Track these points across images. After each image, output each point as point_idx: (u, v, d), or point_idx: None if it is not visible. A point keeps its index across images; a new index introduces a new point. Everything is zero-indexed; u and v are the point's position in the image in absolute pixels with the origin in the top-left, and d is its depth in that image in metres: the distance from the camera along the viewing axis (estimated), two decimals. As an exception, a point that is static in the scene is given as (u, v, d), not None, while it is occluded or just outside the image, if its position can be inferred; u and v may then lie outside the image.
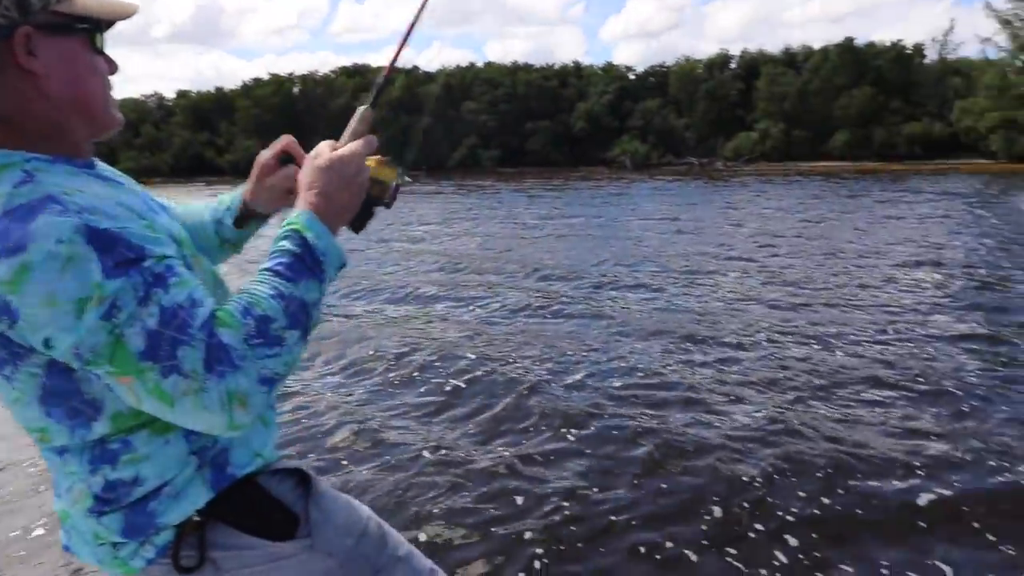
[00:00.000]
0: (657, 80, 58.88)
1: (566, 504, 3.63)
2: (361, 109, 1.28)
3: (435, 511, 3.61)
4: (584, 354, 6.33)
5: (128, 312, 0.88)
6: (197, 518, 1.08)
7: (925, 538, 3.29)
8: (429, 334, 7.24)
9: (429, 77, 59.02)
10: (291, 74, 60.73)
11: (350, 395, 5.48)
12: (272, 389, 0.98)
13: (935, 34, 60.94)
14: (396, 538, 1.35)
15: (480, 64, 61.06)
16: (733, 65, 55.85)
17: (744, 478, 3.86)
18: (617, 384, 5.52)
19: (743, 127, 51.95)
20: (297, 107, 57.99)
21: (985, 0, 43.22)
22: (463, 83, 58.10)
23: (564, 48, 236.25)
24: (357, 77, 59.39)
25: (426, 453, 4.29)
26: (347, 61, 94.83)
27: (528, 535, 3.37)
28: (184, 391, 0.90)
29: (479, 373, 5.76)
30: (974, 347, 6.28)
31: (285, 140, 1.37)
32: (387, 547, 1.30)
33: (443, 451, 4.37)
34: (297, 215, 1.08)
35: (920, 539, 3.29)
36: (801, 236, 13.96)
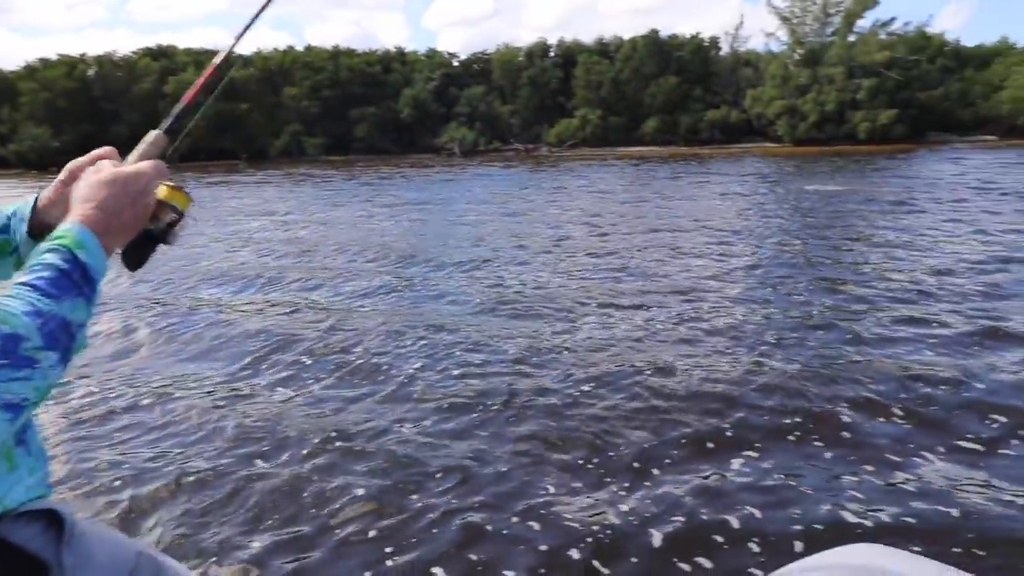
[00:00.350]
0: (480, 67, 59.68)
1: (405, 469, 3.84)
2: (154, 133, 1.20)
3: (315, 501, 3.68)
4: (433, 331, 6.57)
5: None
6: None
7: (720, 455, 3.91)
8: (281, 321, 7.18)
9: (246, 62, 55.68)
10: (84, 55, 54.64)
11: (214, 381, 5.39)
12: (17, 417, 0.84)
13: (727, 28, 66.58)
14: (176, 570, 1.23)
15: (300, 48, 58.40)
16: (552, 54, 57.85)
17: (582, 428, 4.36)
18: (469, 358, 5.80)
19: (564, 114, 54.11)
20: (94, 92, 52.36)
21: (766, -1, 48.19)
22: (282, 67, 55.46)
23: (386, 33, 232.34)
24: (163, 59, 54.69)
25: (314, 438, 4.33)
26: (149, 41, 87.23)
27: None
28: None
29: (352, 357, 5.91)
30: (767, 304, 7.25)
31: (107, 150, 1.17)
32: None
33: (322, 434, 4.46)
34: (68, 228, 0.97)
35: (717, 456, 3.90)
36: (623, 215, 14.96)
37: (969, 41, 54.85)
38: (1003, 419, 4.32)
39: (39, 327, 0.86)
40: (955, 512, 3.34)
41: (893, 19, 46.03)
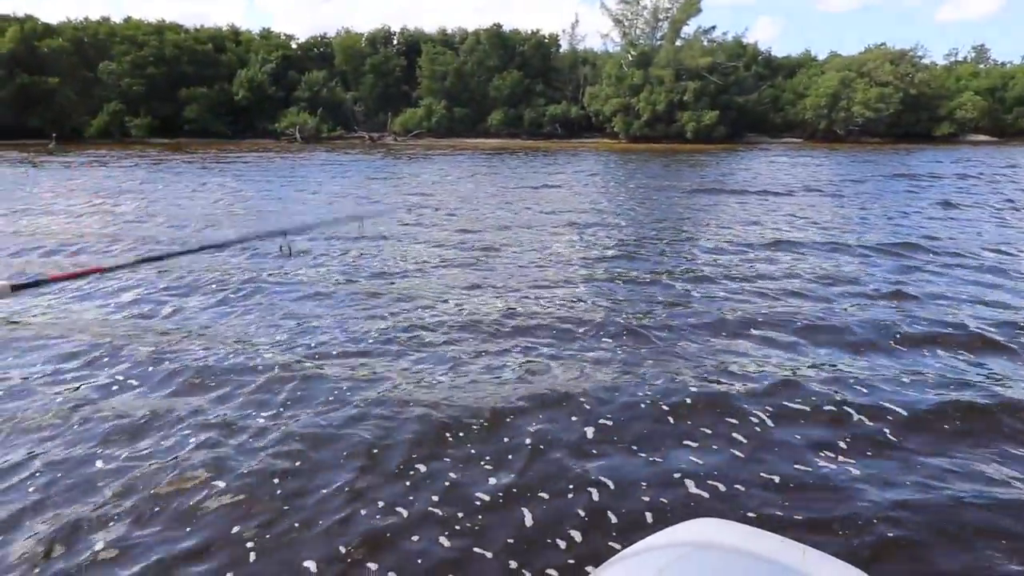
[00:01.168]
0: (321, 51, 57.63)
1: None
2: None
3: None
4: (284, 320, 6.36)
5: None
6: None
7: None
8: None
9: (51, 30, 50.08)
10: None
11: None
12: None
13: (565, 26, 68.85)
14: None
15: (117, 20, 53.24)
16: (395, 42, 56.98)
17: (435, 413, 4.32)
18: (319, 343, 5.66)
19: (409, 103, 53.55)
20: None
21: (600, 0, 50.32)
22: (98, 39, 50.31)
23: (218, 10, 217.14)
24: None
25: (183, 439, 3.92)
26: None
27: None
28: None
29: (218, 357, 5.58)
30: (615, 285, 7.63)
31: None
32: None
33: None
34: None
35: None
36: (477, 205, 15.15)
37: (779, 53, 60.04)
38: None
39: None
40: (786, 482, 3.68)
41: (713, 27, 49.89)
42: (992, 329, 6.11)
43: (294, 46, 57.54)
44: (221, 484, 3.55)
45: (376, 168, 26.37)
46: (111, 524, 3.21)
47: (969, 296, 7.36)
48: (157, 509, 3.33)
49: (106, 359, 5.33)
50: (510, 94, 51.34)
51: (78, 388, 4.80)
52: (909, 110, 48.34)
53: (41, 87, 46.33)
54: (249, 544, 3.11)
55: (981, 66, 59.46)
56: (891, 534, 3.24)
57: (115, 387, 4.83)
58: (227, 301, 7.10)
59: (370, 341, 5.75)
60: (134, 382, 4.93)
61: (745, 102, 48.25)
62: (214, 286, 7.66)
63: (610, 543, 3.15)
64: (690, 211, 14.43)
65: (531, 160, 31.48)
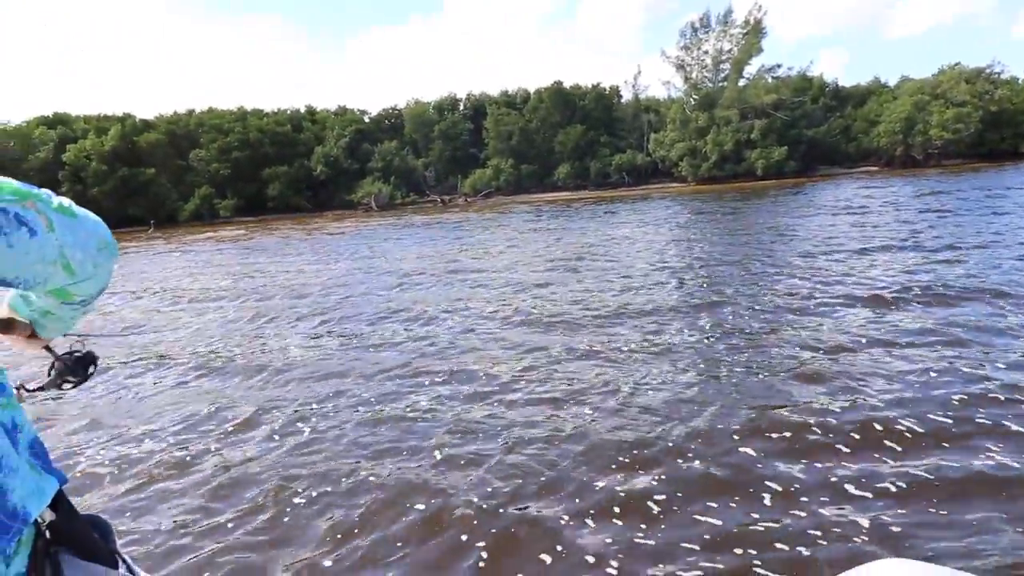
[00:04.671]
0: (391, 122, 60.24)
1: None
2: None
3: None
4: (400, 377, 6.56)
5: None
6: (48, 536, 1.12)
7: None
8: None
9: (148, 125, 54.38)
10: (-30, 126, 51.98)
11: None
12: None
13: (627, 78, 69.84)
14: None
15: (200, 109, 57.20)
16: (461, 107, 59.08)
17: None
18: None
19: (477, 164, 55.12)
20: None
21: (661, 49, 50.97)
22: (188, 130, 54.28)
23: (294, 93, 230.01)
24: (60, 127, 52.61)
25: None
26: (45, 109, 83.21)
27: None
28: None
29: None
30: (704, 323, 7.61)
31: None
32: None
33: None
34: None
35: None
36: (560, 253, 15.51)
37: (846, 83, 59.15)
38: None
39: None
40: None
41: (778, 65, 49.59)
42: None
43: (367, 120, 60.33)
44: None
45: (450, 230, 27.11)
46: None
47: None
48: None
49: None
50: (574, 147, 52.20)
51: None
52: (991, 128, 46.48)
53: (139, 178, 50.04)
54: None
55: (1066, 77, 56.79)
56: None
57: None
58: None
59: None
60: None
61: (815, 135, 47.54)
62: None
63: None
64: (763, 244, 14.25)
65: (607, 207, 31.65)
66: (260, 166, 52.39)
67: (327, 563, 3.58)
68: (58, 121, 54.07)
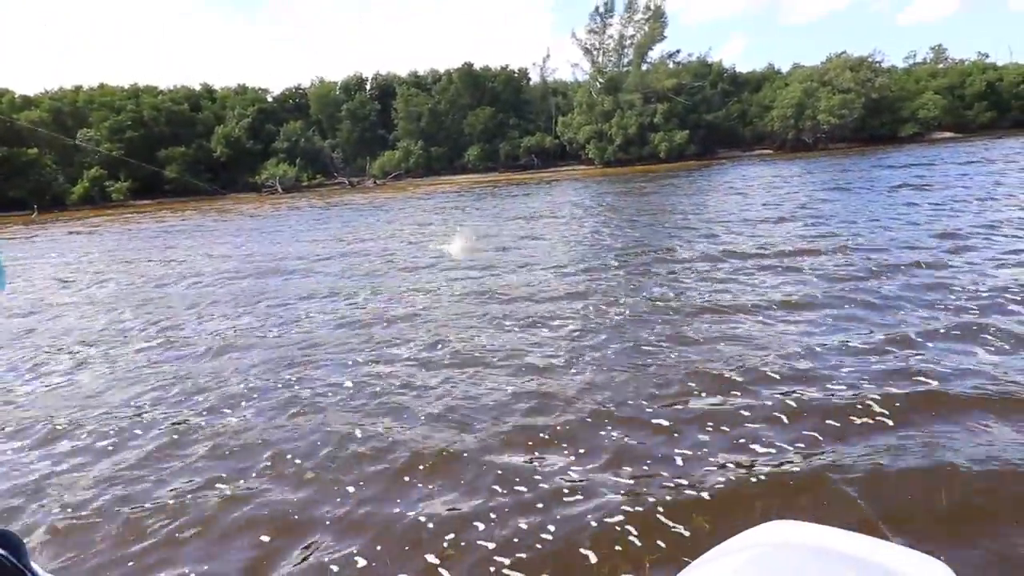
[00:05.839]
0: (296, 102, 58.63)
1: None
2: None
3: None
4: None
5: None
6: None
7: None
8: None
9: (29, 101, 50.80)
10: None
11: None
12: None
13: (536, 59, 70.41)
14: None
15: (89, 86, 53.83)
16: (368, 87, 58.08)
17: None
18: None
19: (386, 146, 54.44)
20: None
21: (571, 31, 51.63)
22: (74, 107, 50.99)
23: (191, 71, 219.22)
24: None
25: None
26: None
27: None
28: None
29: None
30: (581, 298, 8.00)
31: None
32: None
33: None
34: None
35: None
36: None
37: (744, 69, 61.73)
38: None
39: None
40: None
41: (678, 51, 51.36)
42: None
43: (269, 99, 58.43)
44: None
45: (359, 213, 26.84)
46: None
47: None
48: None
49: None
50: (484, 129, 52.36)
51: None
52: (872, 114, 49.65)
53: (20, 159, 46.64)
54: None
55: (940, 66, 61.10)
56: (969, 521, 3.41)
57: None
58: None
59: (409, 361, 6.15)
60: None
61: (714, 119, 49.48)
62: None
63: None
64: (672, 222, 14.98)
65: (516, 190, 32.03)
66: (155, 147, 49.93)
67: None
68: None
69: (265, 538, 3.69)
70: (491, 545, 3.46)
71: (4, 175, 46.48)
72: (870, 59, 51.28)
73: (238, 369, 6.67)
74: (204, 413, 5.56)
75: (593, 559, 3.30)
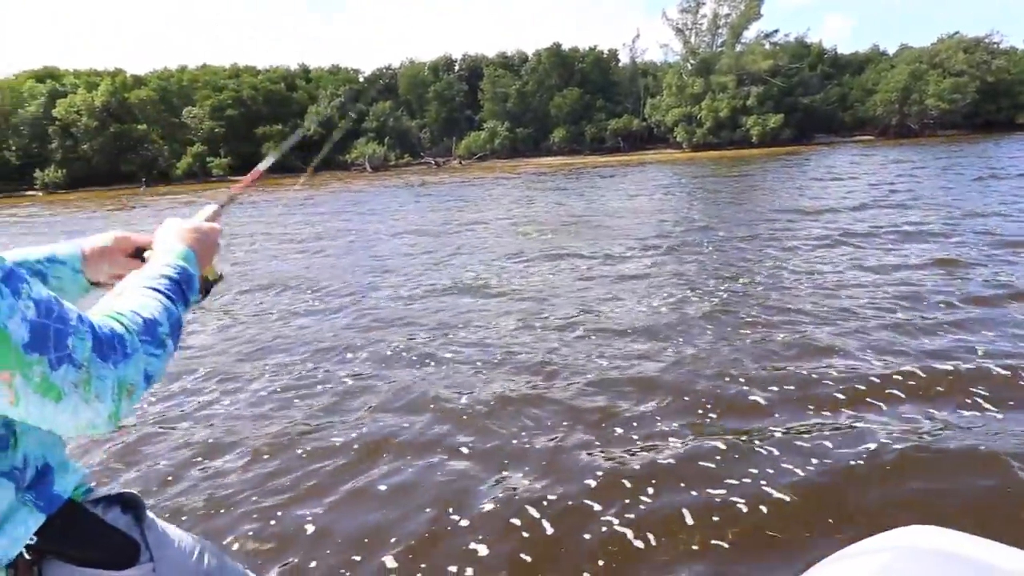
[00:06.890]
0: (386, 82, 59.74)
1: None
2: (213, 205, 1.45)
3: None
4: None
5: (6, 303, 0.79)
6: (28, 557, 1.01)
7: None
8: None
9: (139, 80, 53.76)
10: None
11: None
12: (148, 387, 0.97)
13: (625, 40, 69.14)
14: (226, 558, 1.41)
15: (193, 66, 56.54)
16: (457, 68, 58.53)
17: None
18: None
19: (472, 127, 54.82)
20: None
21: (662, 11, 50.46)
22: (180, 86, 53.75)
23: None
24: (50, 81, 51.80)
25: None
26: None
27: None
28: (75, 382, 0.84)
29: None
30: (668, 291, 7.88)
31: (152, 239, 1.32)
32: (226, 567, 1.38)
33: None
34: (183, 252, 1.19)
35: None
36: (556, 220, 15.65)
37: (851, 48, 58.79)
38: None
39: (167, 318, 1.03)
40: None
41: (776, 31, 49.29)
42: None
43: (361, 79, 59.77)
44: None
45: (479, 189, 27.15)
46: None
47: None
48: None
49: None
50: (570, 111, 51.93)
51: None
52: (987, 99, 46.46)
53: (131, 135, 49.53)
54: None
55: (1066, 47, 56.49)
56: None
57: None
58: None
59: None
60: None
61: (811, 102, 47.39)
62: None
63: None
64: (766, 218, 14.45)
65: (604, 173, 31.57)
66: (254, 124, 52.01)
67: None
68: (47, 75, 53.35)
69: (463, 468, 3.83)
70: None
71: (117, 150, 49.49)
72: (986, 39, 47.90)
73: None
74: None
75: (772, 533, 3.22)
